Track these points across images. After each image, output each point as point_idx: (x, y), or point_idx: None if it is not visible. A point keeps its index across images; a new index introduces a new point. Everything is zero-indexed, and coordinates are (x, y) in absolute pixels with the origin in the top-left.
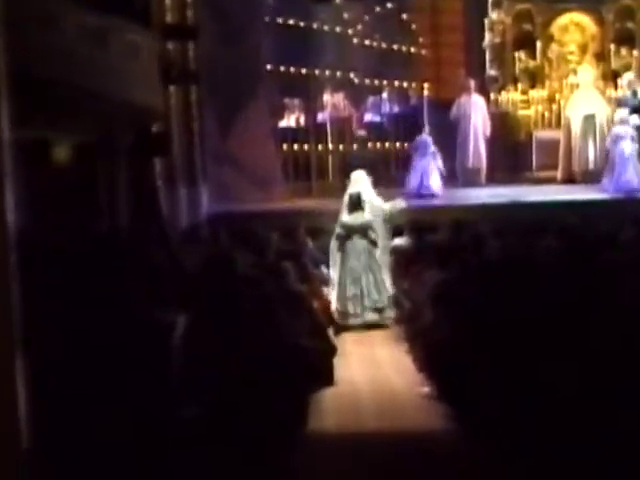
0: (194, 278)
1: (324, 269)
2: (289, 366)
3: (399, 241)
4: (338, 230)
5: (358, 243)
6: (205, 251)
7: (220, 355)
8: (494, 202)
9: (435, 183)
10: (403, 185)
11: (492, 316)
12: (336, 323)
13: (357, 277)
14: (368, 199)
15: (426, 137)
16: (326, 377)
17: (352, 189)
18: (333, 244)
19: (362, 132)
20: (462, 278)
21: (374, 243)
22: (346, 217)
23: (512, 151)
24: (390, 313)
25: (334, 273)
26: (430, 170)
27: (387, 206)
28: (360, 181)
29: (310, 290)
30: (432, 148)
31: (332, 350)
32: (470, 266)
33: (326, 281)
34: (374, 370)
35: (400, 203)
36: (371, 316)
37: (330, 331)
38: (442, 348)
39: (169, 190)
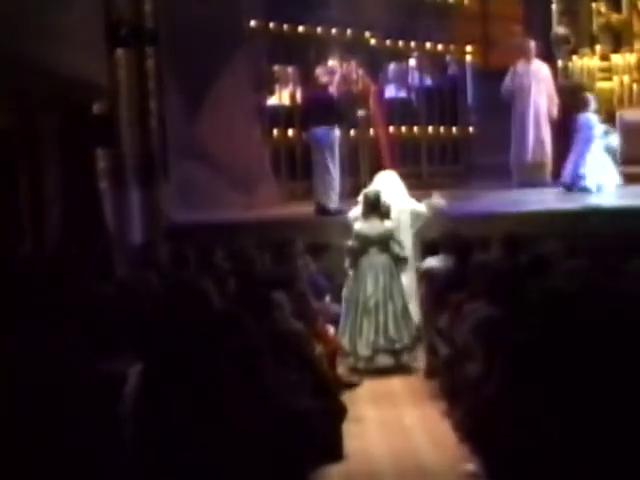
0: (151, 316)
1: (329, 300)
2: (283, 437)
3: (433, 262)
4: (350, 242)
5: (376, 259)
6: (166, 278)
7: (187, 423)
8: (564, 208)
9: (595, 174)
10: (443, 187)
11: (563, 369)
12: (337, 373)
13: (372, 306)
14: (395, 202)
15: (588, 116)
16: (333, 449)
17: (370, 187)
18: (346, 262)
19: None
20: (521, 315)
21: (398, 259)
22: (360, 224)
23: None
24: (413, 357)
25: (344, 302)
26: (590, 157)
27: (421, 207)
28: (386, 182)
29: (311, 330)
30: (599, 129)
31: (341, 412)
32: (532, 298)
33: (333, 317)
34: (399, 440)
35: (439, 200)
36: (386, 360)
37: (338, 386)
38: (494, 411)
39: (117, 193)
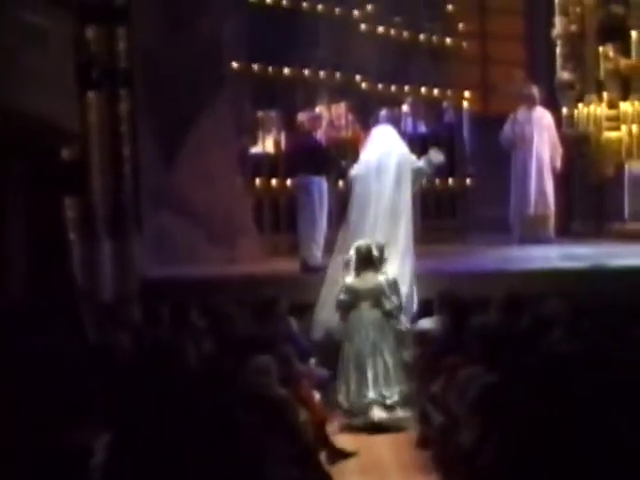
0: (122, 381)
1: (314, 363)
2: None
3: (426, 323)
4: (341, 297)
5: (367, 315)
6: (139, 339)
7: None
8: (568, 267)
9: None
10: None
11: (566, 440)
12: (333, 445)
13: (362, 361)
14: (396, 157)
15: None
16: None
17: (360, 241)
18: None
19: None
20: (521, 382)
21: (389, 315)
22: (352, 278)
23: (594, 192)
24: (405, 414)
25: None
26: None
27: (421, 163)
28: (385, 136)
29: (295, 395)
30: None
31: None
32: (533, 364)
33: (318, 381)
34: None
35: (438, 156)
36: (378, 414)
37: (323, 456)
38: None
39: (86, 245)
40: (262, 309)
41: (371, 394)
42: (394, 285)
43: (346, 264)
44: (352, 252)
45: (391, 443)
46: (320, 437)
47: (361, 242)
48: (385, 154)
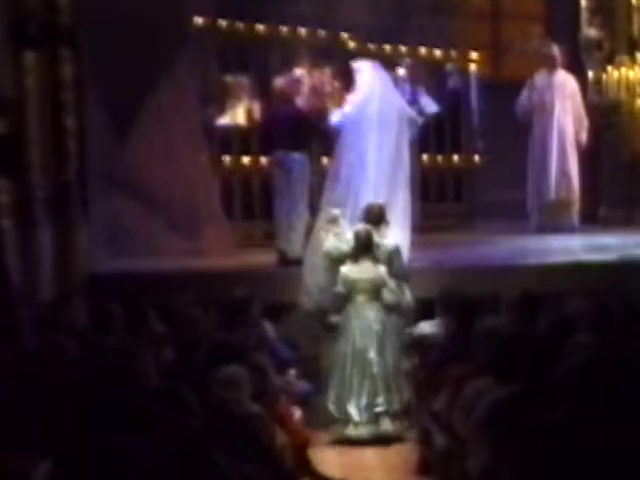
0: (65, 396)
1: (294, 375)
2: None
3: (427, 327)
4: (337, 289)
5: (365, 309)
6: (85, 345)
7: None
8: (594, 260)
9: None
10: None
11: (597, 470)
12: (317, 472)
13: (363, 363)
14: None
15: None
16: None
17: (359, 225)
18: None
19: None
20: (540, 397)
21: (392, 309)
22: (349, 267)
23: (626, 172)
24: (405, 425)
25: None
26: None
27: (413, 112)
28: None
29: (271, 413)
30: None
31: None
32: (552, 375)
33: (299, 396)
34: None
35: (432, 106)
36: (385, 425)
37: None
38: None
39: (23, 233)
40: (232, 311)
41: (373, 402)
42: (397, 253)
43: (331, 220)
44: (348, 237)
45: (386, 467)
46: (301, 463)
47: (360, 227)
48: (386, 102)
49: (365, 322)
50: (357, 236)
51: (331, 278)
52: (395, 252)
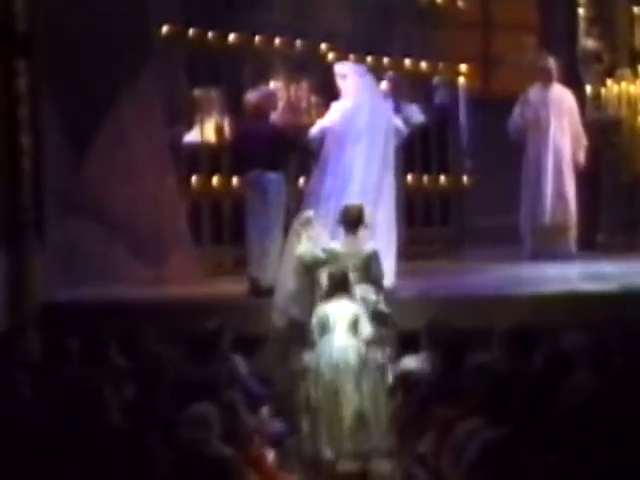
0: (18, 435)
1: (267, 414)
2: None
3: (412, 363)
4: (313, 321)
5: (341, 342)
6: (38, 379)
7: None
8: (592, 290)
9: None
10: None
11: None
12: None
13: (340, 400)
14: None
15: None
16: None
17: (332, 267)
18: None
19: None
20: (535, 439)
21: (372, 343)
22: (323, 306)
23: (626, 194)
24: (384, 462)
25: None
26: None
27: (399, 122)
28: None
29: (243, 456)
30: None
31: None
32: (547, 416)
33: (272, 436)
34: None
35: (418, 115)
36: (353, 465)
37: None
38: None
39: None
40: (201, 344)
41: (345, 441)
42: (375, 257)
43: (304, 222)
44: (322, 277)
45: None
46: None
47: (333, 269)
48: (377, 113)
49: (340, 359)
50: (331, 276)
51: (303, 284)
52: (373, 256)
